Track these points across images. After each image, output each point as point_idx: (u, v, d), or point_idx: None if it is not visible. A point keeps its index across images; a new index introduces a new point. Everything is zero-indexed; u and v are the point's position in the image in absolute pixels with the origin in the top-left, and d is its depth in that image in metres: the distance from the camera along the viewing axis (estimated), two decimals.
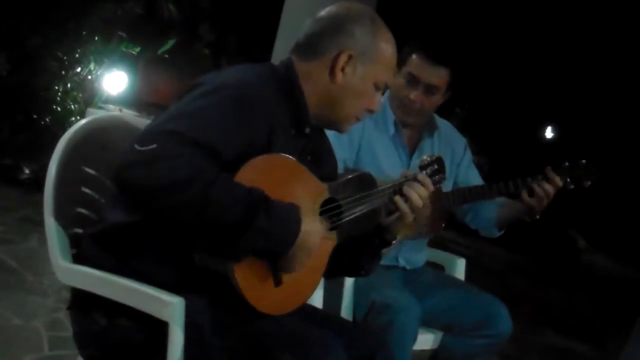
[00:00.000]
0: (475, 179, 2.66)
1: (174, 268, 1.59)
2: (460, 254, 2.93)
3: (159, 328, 1.55)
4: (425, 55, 2.43)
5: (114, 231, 1.63)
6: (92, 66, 6.30)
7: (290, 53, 1.77)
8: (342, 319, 2.09)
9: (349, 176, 1.79)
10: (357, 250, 1.86)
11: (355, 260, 1.88)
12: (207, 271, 1.54)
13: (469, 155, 2.70)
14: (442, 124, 2.67)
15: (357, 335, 1.80)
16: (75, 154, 1.80)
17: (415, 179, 1.81)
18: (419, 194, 1.79)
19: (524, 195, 2.39)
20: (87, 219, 1.78)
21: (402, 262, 2.59)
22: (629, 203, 9.73)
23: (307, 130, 1.74)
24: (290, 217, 1.52)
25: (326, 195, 1.70)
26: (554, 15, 9.87)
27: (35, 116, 6.15)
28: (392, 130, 2.53)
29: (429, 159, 1.94)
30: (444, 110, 2.76)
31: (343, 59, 1.70)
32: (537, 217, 2.44)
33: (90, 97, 6.39)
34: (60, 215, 1.75)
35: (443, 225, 2.55)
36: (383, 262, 2.50)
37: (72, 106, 6.33)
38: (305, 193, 1.63)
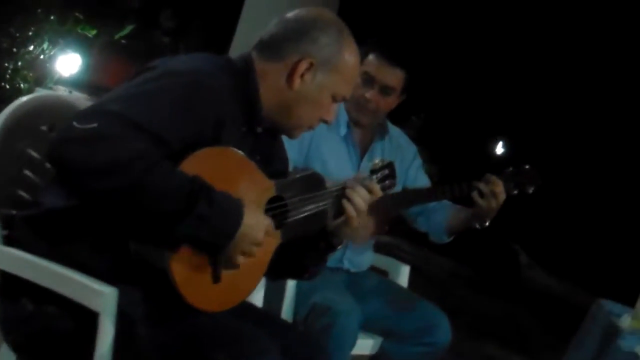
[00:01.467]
0: (423, 183, 2.66)
1: (110, 257, 1.53)
2: (405, 261, 2.93)
3: (89, 318, 1.49)
4: (382, 56, 2.43)
5: (49, 216, 1.57)
6: (45, 45, 6.16)
7: (252, 49, 1.72)
8: (281, 320, 2.05)
9: (298, 175, 1.76)
10: (302, 252, 1.82)
11: (299, 263, 1.85)
12: (143, 262, 1.49)
13: (418, 161, 2.70)
14: (393, 129, 2.67)
15: (295, 338, 1.77)
16: (16, 132, 1.73)
17: (363, 183, 1.78)
18: (364, 199, 1.75)
19: (474, 195, 2.39)
20: (22, 201, 1.71)
21: (346, 265, 2.57)
22: (573, 222, 9.94)
23: (259, 129, 1.70)
24: (232, 209, 1.47)
25: (273, 192, 1.66)
26: (515, 30, 10.01)
27: None
28: (344, 130, 2.51)
29: (380, 163, 1.91)
30: (399, 117, 2.75)
31: (303, 65, 1.66)
32: (487, 223, 2.44)
33: (41, 77, 6.24)
34: None
35: (386, 227, 2.54)
36: (327, 263, 2.50)
37: (22, 85, 6.18)
38: (251, 189, 1.59)
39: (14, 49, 6.10)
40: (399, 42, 2.54)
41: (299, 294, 2.36)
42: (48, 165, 1.68)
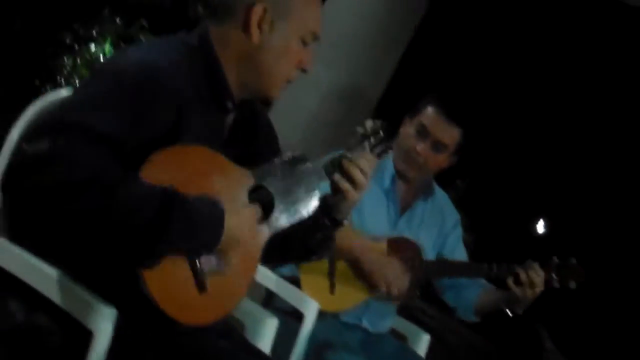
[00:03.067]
0: (460, 256, 2.54)
1: (100, 273, 1.40)
2: (427, 326, 2.79)
3: (81, 335, 1.37)
4: (441, 110, 2.33)
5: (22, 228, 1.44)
6: (107, 47, 6.21)
7: (206, 19, 1.58)
8: None
9: (279, 159, 1.58)
10: (307, 234, 1.69)
11: (305, 245, 1.71)
12: (116, 279, 1.36)
13: (459, 231, 2.58)
14: (439, 192, 2.57)
15: None
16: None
17: (357, 152, 1.61)
18: (361, 168, 1.60)
19: (510, 281, 2.27)
20: None
21: (365, 324, 2.44)
22: (605, 315, 9.62)
23: (229, 104, 1.56)
24: (211, 214, 1.35)
25: (251, 182, 1.52)
26: (573, 114, 9.90)
27: (37, 82, 6.03)
28: (387, 183, 2.41)
29: (372, 125, 1.69)
30: (445, 179, 2.64)
31: (257, 13, 1.50)
32: (520, 311, 2.31)
33: None
34: None
35: (417, 293, 2.42)
36: (346, 319, 2.37)
37: (78, 82, 6.22)
38: (226, 184, 1.45)
39: (76, 46, 6.16)
40: (462, 100, 2.43)
41: (311, 345, 2.22)
42: None
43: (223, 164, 1.49)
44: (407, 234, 2.42)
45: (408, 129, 2.35)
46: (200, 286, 1.40)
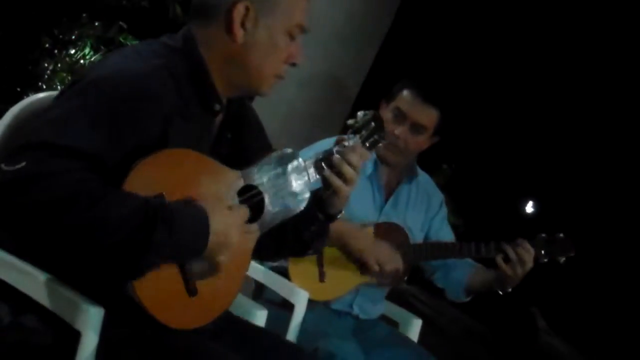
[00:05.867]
0: (447, 236, 2.55)
1: (87, 276, 1.40)
2: (418, 311, 2.80)
3: (70, 335, 1.37)
4: (417, 93, 2.33)
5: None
6: (87, 51, 6.17)
7: (189, 21, 1.56)
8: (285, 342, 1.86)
9: (267, 157, 1.57)
10: (301, 228, 1.68)
11: (300, 240, 1.70)
12: (105, 282, 1.37)
13: (444, 211, 2.59)
14: (422, 175, 2.57)
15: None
16: (20, 132, 1.61)
17: (349, 147, 1.60)
18: (351, 163, 1.59)
19: (499, 259, 2.28)
20: None
21: (355, 310, 2.45)
22: (596, 290, 9.69)
23: (217, 107, 1.55)
24: (195, 221, 1.34)
25: (240, 183, 1.51)
26: (558, 90, 9.93)
27: (18, 89, 5.99)
28: (370, 169, 2.41)
29: (362, 116, 1.66)
30: (430, 164, 2.66)
31: (239, 12, 1.48)
32: (509, 289, 2.32)
33: None
34: None
35: (405, 278, 2.43)
36: (336, 306, 2.39)
37: (59, 87, 6.18)
38: (214, 186, 1.45)
39: (55, 51, 6.12)
40: (436, 81, 2.44)
41: (302, 336, 2.24)
42: None
43: (210, 165, 1.48)
44: (394, 219, 2.43)
45: (385, 114, 2.34)
46: (190, 290, 1.41)
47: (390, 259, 2.29)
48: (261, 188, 1.54)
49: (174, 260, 1.35)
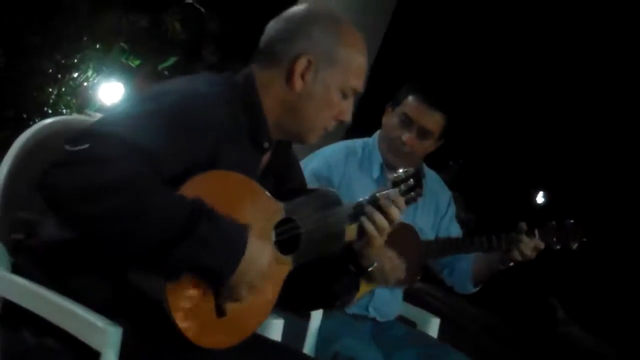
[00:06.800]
0: (455, 231, 2.57)
1: (108, 289, 1.45)
2: (436, 309, 2.81)
3: (90, 354, 1.40)
4: (422, 98, 2.35)
5: (47, 246, 1.50)
6: (89, 73, 6.23)
7: (253, 61, 1.64)
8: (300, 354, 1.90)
9: (310, 194, 1.63)
10: (331, 278, 1.70)
11: (329, 290, 1.72)
12: (141, 294, 1.40)
13: (452, 209, 2.61)
14: (430, 173, 2.59)
15: None
16: (33, 156, 1.67)
17: (386, 197, 1.64)
18: (387, 214, 1.62)
19: (513, 251, 2.30)
20: (35, 226, 1.64)
21: (372, 313, 2.46)
22: (614, 278, 9.64)
23: (266, 145, 1.60)
24: (236, 233, 1.39)
25: (281, 215, 1.55)
26: (557, 81, 9.91)
27: (25, 115, 6.04)
28: (376, 172, 2.43)
29: (403, 173, 1.74)
30: (436, 162, 2.67)
31: (301, 64, 1.56)
32: (512, 264, 2.34)
33: (83, 104, 6.30)
34: (5, 219, 1.63)
35: (418, 276, 2.44)
36: (352, 310, 2.40)
37: (65, 111, 6.24)
38: (256, 213, 1.49)
39: (59, 75, 6.18)
40: (441, 85, 2.46)
41: (321, 340, 2.25)
42: None
43: (256, 192, 1.53)
44: (404, 219, 2.44)
45: (391, 120, 2.37)
46: (220, 311, 1.44)
47: (393, 270, 2.30)
48: (299, 223, 1.58)
49: (207, 264, 1.37)
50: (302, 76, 1.56)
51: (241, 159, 1.52)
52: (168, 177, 1.38)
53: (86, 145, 1.30)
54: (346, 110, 1.63)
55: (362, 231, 1.64)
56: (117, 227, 1.30)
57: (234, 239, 1.38)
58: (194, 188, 1.38)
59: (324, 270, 1.67)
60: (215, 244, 1.35)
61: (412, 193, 1.73)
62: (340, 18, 1.62)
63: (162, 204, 1.31)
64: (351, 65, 1.60)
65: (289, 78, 1.57)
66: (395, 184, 1.71)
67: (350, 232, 1.68)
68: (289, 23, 1.59)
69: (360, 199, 1.66)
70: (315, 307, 2.01)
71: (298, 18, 1.59)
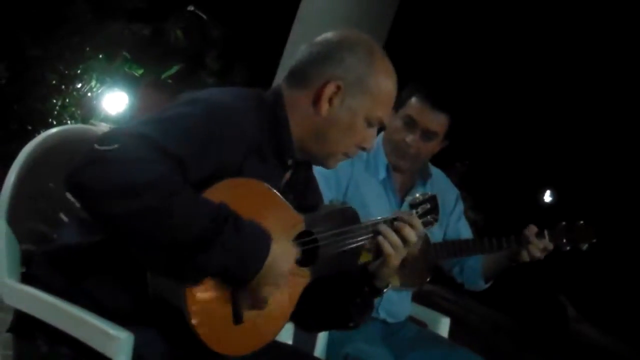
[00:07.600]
0: (465, 232, 2.56)
1: (128, 296, 1.46)
2: (446, 310, 2.80)
3: None
4: (426, 100, 2.34)
5: (66, 252, 1.51)
6: (93, 83, 6.25)
7: (283, 80, 1.66)
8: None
9: (330, 209, 1.65)
10: (346, 299, 1.71)
11: (343, 311, 1.72)
12: (161, 300, 1.41)
13: (460, 207, 2.60)
14: (436, 172, 2.58)
15: None
16: (41, 166, 1.67)
17: (402, 218, 1.66)
18: (404, 235, 1.64)
19: (522, 253, 2.30)
20: (43, 236, 1.65)
21: (382, 315, 2.45)
22: (624, 274, 9.61)
23: (290, 162, 1.62)
24: (260, 236, 1.40)
25: (302, 227, 1.57)
26: (563, 81, 9.89)
27: (29, 127, 6.07)
28: (382, 174, 2.42)
29: (421, 197, 1.78)
30: (443, 163, 2.66)
31: (330, 89, 1.57)
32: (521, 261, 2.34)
33: (88, 114, 6.32)
34: (14, 229, 1.62)
35: (428, 278, 2.43)
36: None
37: (69, 121, 6.26)
38: (277, 223, 1.50)
39: (63, 86, 6.20)
40: (444, 86, 2.45)
41: (331, 343, 2.25)
42: (72, 199, 1.62)
43: (278, 203, 1.54)
44: None
45: (395, 122, 2.36)
46: (237, 317, 1.44)
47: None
48: (318, 236, 1.59)
49: (230, 269, 1.37)
50: (330, 100, 1.58)
51: (265, 172, 1.53)
52: (194, 182, 1.38)
53: (115, 145, 1.31)
54: (369, 138, 1.64)
55: (378, 251, 1.65)
56: (144, 227, 1.30)
57: (258, 242, 1.39)
58: (219, 193, 1.39)
59: (339, 291, 1.68)
60: (240, 245, 1.36)
61: (429, 217, 1.77)
62: (375, 47, 1.63)
63: (188, 206, 1.32)
64: (380, 95, 1.61)
65: (316, 101, 1.58)
66: (413, 206, 1.74)
67: (366, 257, 1.70)
68: (324, 47, 1.60)
69: (379, 218, 1.67)
70: (329, 328, 2.00)
71: (333, 43, 1.60)
